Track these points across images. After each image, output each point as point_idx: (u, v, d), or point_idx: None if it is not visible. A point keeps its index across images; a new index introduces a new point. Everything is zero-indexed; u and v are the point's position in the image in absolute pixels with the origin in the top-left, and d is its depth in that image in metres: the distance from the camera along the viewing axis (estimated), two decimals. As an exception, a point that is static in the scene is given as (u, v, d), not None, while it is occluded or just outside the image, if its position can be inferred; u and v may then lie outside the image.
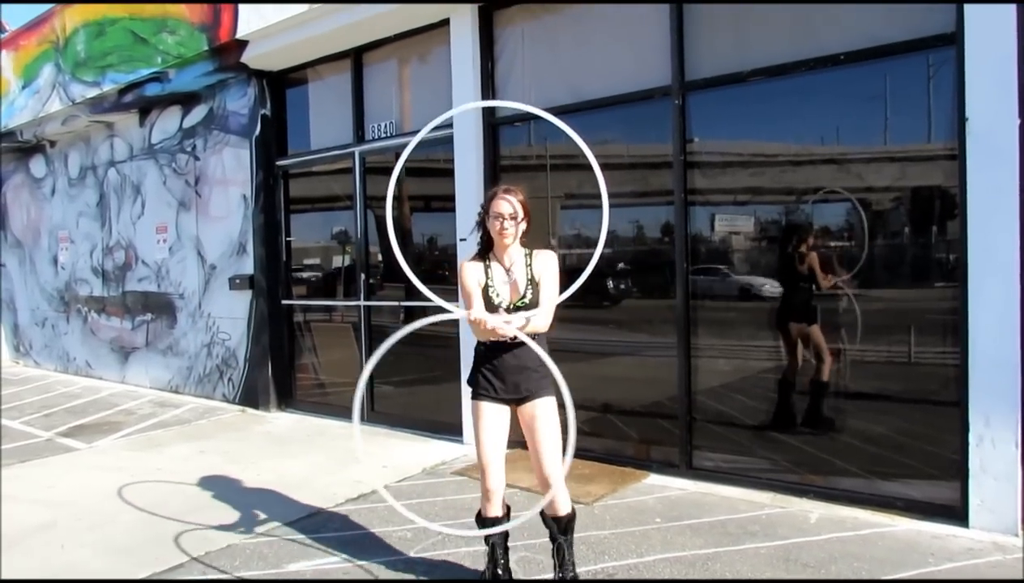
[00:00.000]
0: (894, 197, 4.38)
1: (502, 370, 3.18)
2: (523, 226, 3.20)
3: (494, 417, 3.22)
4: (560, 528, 3.26)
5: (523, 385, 3.19)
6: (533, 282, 3.19)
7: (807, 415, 4.65)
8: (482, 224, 3.26)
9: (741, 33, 4.74)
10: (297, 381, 7.77)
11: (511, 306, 3.16)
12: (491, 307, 3.16)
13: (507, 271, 3.21)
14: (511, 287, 3.19)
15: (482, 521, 3.31)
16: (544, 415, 3.20)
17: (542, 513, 3.27)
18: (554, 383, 3.09)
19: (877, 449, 4.35)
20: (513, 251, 3.22)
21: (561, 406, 2.98)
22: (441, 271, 6.39)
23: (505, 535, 3.35)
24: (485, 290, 3.19)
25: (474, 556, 3.77)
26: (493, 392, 3.21)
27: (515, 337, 3.04)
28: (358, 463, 5.54)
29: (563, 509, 3.25)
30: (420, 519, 3.32)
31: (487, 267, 3.22)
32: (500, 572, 3.30)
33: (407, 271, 3.19)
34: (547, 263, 3.25)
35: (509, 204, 3.15)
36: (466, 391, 5.81)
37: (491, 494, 3.24)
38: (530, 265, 3.22)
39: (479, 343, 3.26)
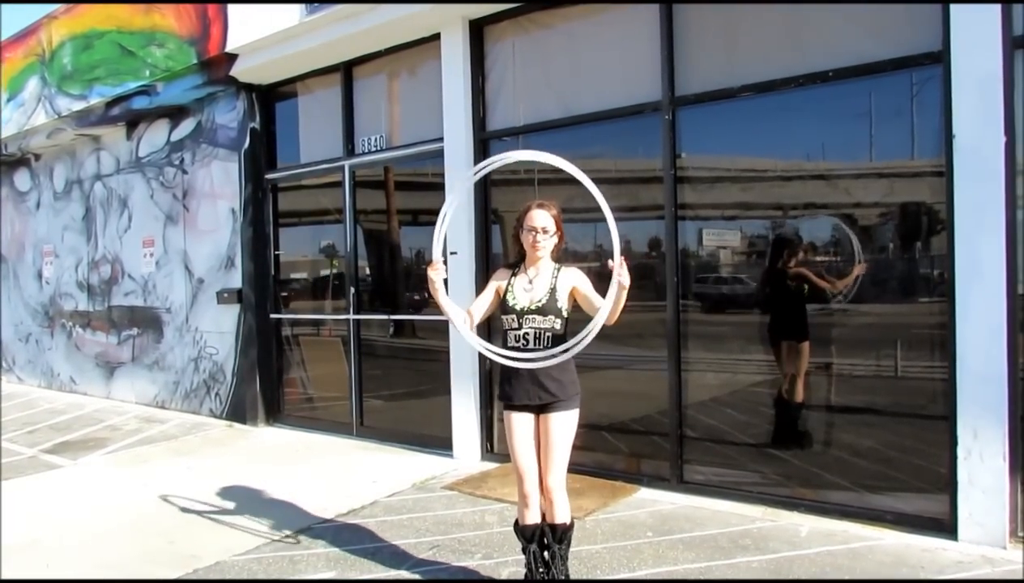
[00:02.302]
0: (882, 213, 4.42)
1: (521, 379, 3.24)
2: (555, 240, 3.31)
3: (521, 425, 3.29)
4: (555, 536, 3.29)
5: (542, 395, 3.24)
6: (553, 291, 3.26)
7: (784, 432, 4.66)
8: (516, 237, 3.36)
9: (731, 50, 4.79)
10: (285, 396, 7.72)
11: (525, 310, 3.24)
12: (507, 310, 3.27)
13: (530, 281, 3.29)
14: (530, 293, 3.26)
15: (520, 529, 3.35)
16: (557, 430, 3.25)
17: (542, 520, 3.32)
18: (577, 394, 3.27)
19: (866, 463, 4.37)
20: (543, 264, 3.32)
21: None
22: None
23: (541, 544, 3.34)
24: (504, 293, 3.30)
25: (467, 572, 3.75)
26: (516, 400, 3.28)
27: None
28: (347, 477, 5.51)
29: (560, 517, 3.28)
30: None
31: (513, 275, 3.34)
32: (537, 579, 3.31)
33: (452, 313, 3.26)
34: (579, 276, 3.33)
35: (543, 218, 3.26)
36: (455, 405, 5.90)
37: (528, 500, 3.29)
38: (556, 277, 3.30)
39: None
